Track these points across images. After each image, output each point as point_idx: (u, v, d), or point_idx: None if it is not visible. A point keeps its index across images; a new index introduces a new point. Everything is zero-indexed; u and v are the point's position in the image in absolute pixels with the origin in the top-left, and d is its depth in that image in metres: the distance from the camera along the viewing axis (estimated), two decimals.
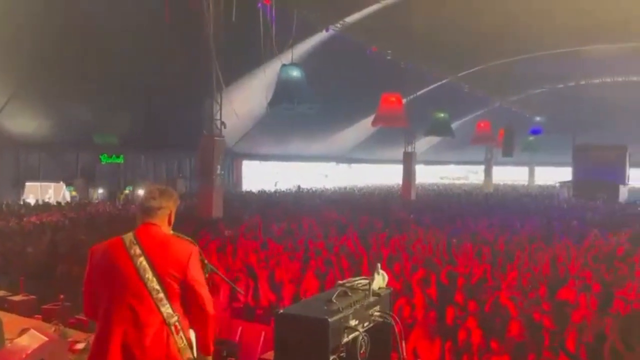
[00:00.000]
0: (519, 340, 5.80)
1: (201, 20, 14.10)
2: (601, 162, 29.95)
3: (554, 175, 41.00)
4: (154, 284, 2.62)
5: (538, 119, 36.33)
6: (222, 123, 14.92)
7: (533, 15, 19.41)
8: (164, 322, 2.64)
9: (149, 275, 2.63)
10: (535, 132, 36.25)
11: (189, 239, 2.98)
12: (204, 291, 2.77)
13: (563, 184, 33.05)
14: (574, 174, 31.95)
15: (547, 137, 35.92)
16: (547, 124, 35.96)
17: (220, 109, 15.03)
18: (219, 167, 14.95)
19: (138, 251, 2.67)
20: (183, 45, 16.35)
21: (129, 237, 2.75)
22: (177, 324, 2.67)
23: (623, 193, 29.00)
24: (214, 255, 8.91)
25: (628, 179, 31.32)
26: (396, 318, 2.42)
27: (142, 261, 2.64)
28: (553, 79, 32.01)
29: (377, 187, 38.01)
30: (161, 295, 2.63)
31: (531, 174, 46.31)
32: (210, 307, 2.78)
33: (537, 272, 8.41)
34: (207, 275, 3.25)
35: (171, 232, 2.99)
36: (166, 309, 2.64)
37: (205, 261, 3.22)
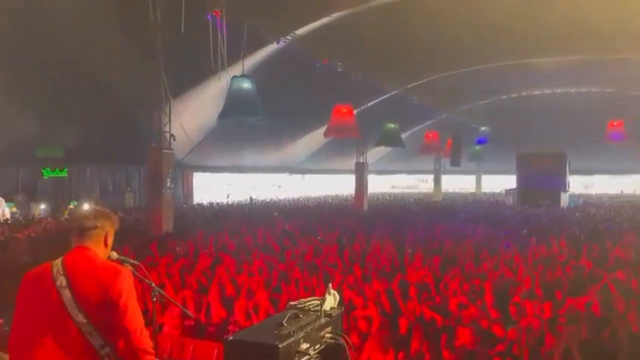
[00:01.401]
0: (470, 349, 5.92)
1: (149, 31, 13.83)
2: (543, 170, 31.22)
3: (500, 183, 42.46)
4: (81, 317, 2.50)
5: (483, 129, 37.65)
6: (172, 135, 14.63)
7: (478, 30, 20.12)
8: (96, 353, 2.52)
9: (74, 308, 2.50)
10: (481, 141, 37.52)
11: (133, 262, 2.87)
12: (130, 319, 2.55)
13: (508, 191, 34.20)
14: (518, 181, 33.12)
15: (492, 147, 37.25)
16: (492, 134, 37.28)
17: (170, 121, 14.74)
18: (168, 180, 14.64)
19: (64, 282, 2.54)
20: (131, 56, 15.98)
21: (57, 265, 2.61)
22: (110, 354, 2.54)
23: (564, 199, 30.28)
24: (164, 272, 8.68)
25: (568, 186, 32.76)
26: (347, 339, 2.42)
27: (68, 293, 2.51)
28: (497, 90, 33.27)
29: (330, 197, 38.21)
30: (90, 327, 2.51)
31: (478, 182, 47.76)
32: (136, 338, 2.56)
33: (485, 280, 8.61)
34: (154, 297, 3.14)
35: (115, 255, 2.88)
36: (97, 341, 2.51)
37: (153, 284, 3.12)
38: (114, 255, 2.88)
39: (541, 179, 30.55)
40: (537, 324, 6.37)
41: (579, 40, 21.15)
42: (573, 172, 34.44)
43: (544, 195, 28.70)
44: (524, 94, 33.79)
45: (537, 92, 33.33)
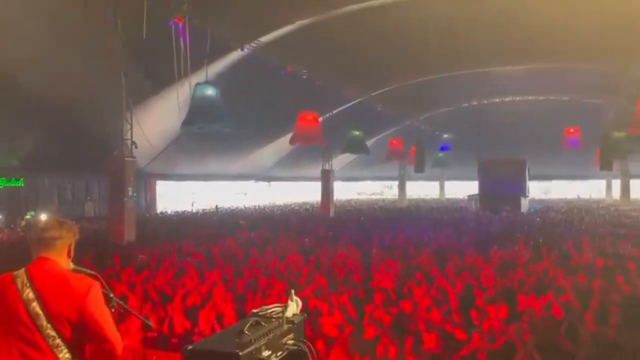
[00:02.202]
0: (435, 353, 5.99)
1: (110, 37, 13.58)
2: (504, 176, 32.03)
3: (463, 188, 43.29)
4: (49, 330, 2.43)
5: (446, 136, 38.29)
6: (133, 143, 14.37)
7: (440, 40, 20.55)
8: None
9: (43, 322, 2.43)
10: (444, 148, 38.18)
11: (90, 272, 2.79)
12: (108, 330, 2.57)
13: (470, 197, 34.84)
14: (480, 187, 33.84)
15: (455, 153, 37.95)
16: (455, 141, 37.98)
17: (131, 129, 14.48)
18: (130, 189, 14.36)
19: (31, 295, 2.45)
20: (91, 63, 15.61)
21: (21, 277, 2.52)
22: None
23: (524, 204, 31.09)
24: (125, 283, 8.47)
25: (528, 191, 33.66)
26: (310, 345, 2.41)
27: (35, 306, 2.44)
28: (459, 98, 33.96)
29: (297, 204, 38.17)
30: (58, 340, 2.44)
31: (442, 188, 48.58)
32: (118, 347, 2.59)
33: (449, 284, 8.74)
34: (113, 309, 3.06)
35: (72, 265, 2.80)
36: (64, 354, 2.45)
37: (111, 294, 3.03)
38: (71, 265, 2.81)
39: (502, 184, 31.32)
40: (499, 327, 6.51)
41: (536, 50, 21.85)
42: (532, 178, 35.44)
43: (505, 201, 29.40)
44: (485, 101, 34.60)
45: (498, 100, 34.18)
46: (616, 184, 37.97)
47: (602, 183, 42.98)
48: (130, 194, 14.48)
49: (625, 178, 34.08)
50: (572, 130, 31.91)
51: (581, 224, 20.56)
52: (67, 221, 2.83)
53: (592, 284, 8.55)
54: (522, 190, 31.96)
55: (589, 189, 47.13)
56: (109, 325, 2.59)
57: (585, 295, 7.82)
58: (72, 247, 2.75)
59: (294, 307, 2.55)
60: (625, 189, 34.15)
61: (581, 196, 46.40)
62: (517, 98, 33.55)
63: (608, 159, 28.18)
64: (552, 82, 28.35)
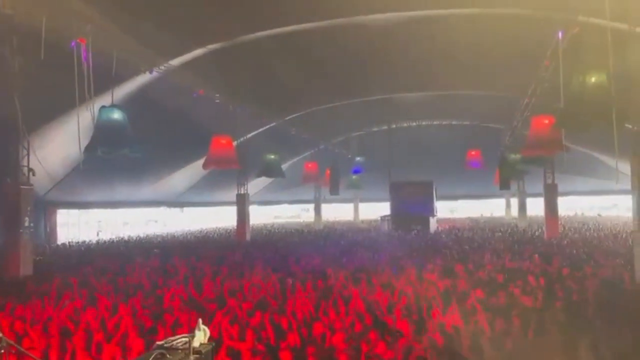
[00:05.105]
0: None
1: (4, 57, 12.68)
2: (413, 197, 33.41)
3: (377, 210, 44.47)
4: None
5: (359, 159, 39.29)
6: (30, 170, 13.40)
7: (350, 66, 21.28)
8: None
9: None
10: (356, 171, 39.18)
11: None
12: None
13: (383, 218, 35.85)
14: (392, 208, 34.97)
15: (368, 176, 39.07)
16: (367, 164, 39.11)
17: (28, 155, 13.51)
18: (27, 219, 13.34)
19: None
20: None
21: None
22: None
23: (433, 224, 32.49)
24: (19, 321, 7.81)
25: (436, 211, 35.28)
26: None
27: None
28: (368, 123, 35.21)
29: (212, 230, 37.31)
30: None
31: (356, 209, 49.62)
32: None
33: (363, 303, 8.89)
34: (2, 349, 2.82)
35: None
36: None
37: (0, 334, 2.80)
38: None
39: (412, 205, 32.63)
40: (415, 344, 6.70)
41: (439, 78, 23.16)
42: (440, 198, 37.21)
43: (415, 221, 30.56)
44: (393, 126, 36.11)
45: (405, 125, 35.80)
46: (514, 202, 40.70)
47: (502, 201, 45.99)
48: (26, 224, 13.46)
49: (522, 196, 36.67)
50: (473, 152, 34.06)
51: (484, 241, 21.80)
52: None
53: (493, 297, 9.08)
54: (430, 210, 33.41)
55: (491, 207, 50.14)
56: None
57: (487, 309, 8.28)
58: None
59: (201, 336, 2.47)
60: (522, 207, 36.68)
61: (484, 214, 49.27)
62: (424, 123, 35.35)
63: (506, 179, 30.29)
64: (454, 108, 30.19)
